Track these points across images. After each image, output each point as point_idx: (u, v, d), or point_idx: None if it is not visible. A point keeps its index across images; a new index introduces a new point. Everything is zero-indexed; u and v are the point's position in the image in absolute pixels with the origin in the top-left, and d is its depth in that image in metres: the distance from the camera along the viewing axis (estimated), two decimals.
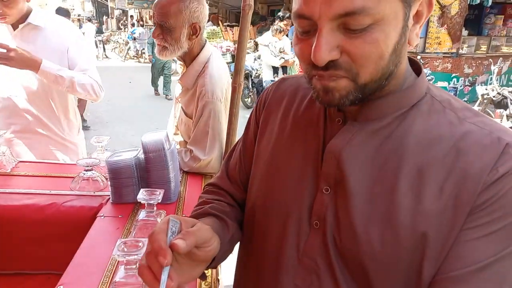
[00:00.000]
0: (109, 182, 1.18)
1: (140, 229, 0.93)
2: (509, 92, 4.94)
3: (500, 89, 5.09)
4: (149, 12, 16.71)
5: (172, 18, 1.37)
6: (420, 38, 6.61)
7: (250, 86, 6.56)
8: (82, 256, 0.91)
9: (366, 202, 0.55)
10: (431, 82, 0.63)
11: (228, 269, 1.02)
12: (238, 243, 0.76)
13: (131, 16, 17.69)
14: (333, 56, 0.50)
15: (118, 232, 1.02)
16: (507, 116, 4.74)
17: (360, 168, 0.56)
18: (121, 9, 21.40)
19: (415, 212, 0.52)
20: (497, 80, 5.56)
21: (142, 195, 0.94)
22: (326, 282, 0.58)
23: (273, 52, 5.46)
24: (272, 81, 5.61)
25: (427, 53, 6.88)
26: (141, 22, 14.78)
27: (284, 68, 5.72)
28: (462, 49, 7.15)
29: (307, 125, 0.65)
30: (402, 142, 0.55)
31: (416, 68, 0.61)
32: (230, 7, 14.31)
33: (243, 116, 1.34)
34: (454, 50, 6.89)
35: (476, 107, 4.69)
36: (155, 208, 0.96)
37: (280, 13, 5.63)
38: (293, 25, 0.60)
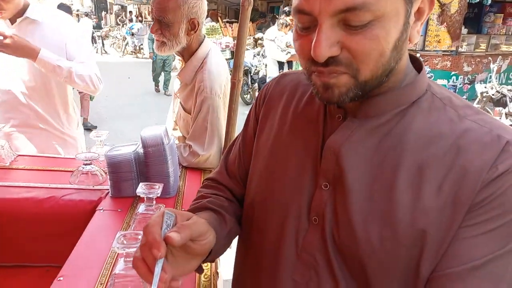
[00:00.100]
0: (108, 176, 1.19)
1: (140, 222, 0.94)
2: (508, 90, 4.96)
3: (499, 87, 5.10)
4: (148, 7, 16.64)
5: (170, 13, 1.37)
6: (420, 36, 6.62)
7: (250, 83, 6.55)
8: (82, 249, 0.92)
9: (365, 199, 0.55)
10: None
11: (227, 264, 1.03)
12: (237, 238, 0.76)
13: (130, 12, 17.63)
14: (333, 52, 0.50)
15: (117, 225, 1.03)
16: (506, 114, 4.76)
17: (359, 165, 0.57)
18: (120, 5, 21.31)
19: (414, 209, 0.52)
20: (496, 78, 5.57)
21: (141, 189, 0.95)
22: (325, 278, 0.59)
23: (280, 47, 5.39)
24: None
25: (427, 51, 6.88)
26: (139, 18, 14.72)
27: (289, 63, 5.66)
28: (461, 47, 7.16)
29: (307, 121, 0.65)
30: (402, 139, 0.55)
31: (417, 65, 0.61)
32: (230, 3, 14.27)
33: (242, 113, 1.33)
34: (453, 48, 6.89)
35: (475, 105, 4.70)
36: (154, 202, 0.97)
37: (286, 8, 5.59)
38: None
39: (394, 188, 0.54)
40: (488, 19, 8.24)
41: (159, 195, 0.95)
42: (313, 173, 0.61)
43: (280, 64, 5.69)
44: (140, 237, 0.72)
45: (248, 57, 6.61)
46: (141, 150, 1.19)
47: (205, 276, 0.84)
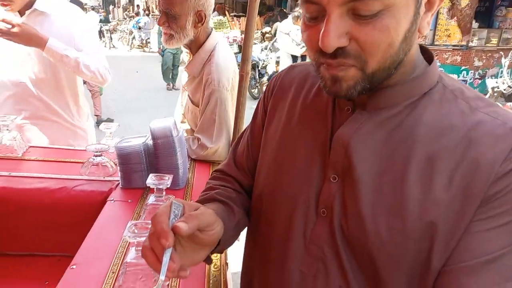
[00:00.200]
0: (118, 168, 1.20)
1: (150, 213, 0.95)
2: None
3: (510, 82, 5.03)
4: (155, 1, 16.62)
5: (177, 5, 1.37)
6: (429, 30, 6.52)
7: (257, 77, 6.54)
8: (93, 238, 0.93)
9: (374, 191, 0.55)
10: None
11: (235, 257, 1.04)
12: (245, 230, 0.77)
13: (137, 6, 17.63)
14: (341, 43, 0.49)
15: (127, 215, 1.04)
16: None
17: (368, 157, 0.56)
18: None
19: (424, 201, 0.52)
20: (507, 73, 5.49)
21: (151, 180, 0.96)
22: (333, 270, 0.59)
23: (295, 41, 5.30)
24: None
25: (436, 45, 6.78)
26: (146, 12, 14.72)
27: (304, 57, 5.59)
28: (472, 41, 7.04)
29: (316, 113, 0.65)
30: (412, 131, 0.55)
31: (428, 56, 0.60)
32: None
33: (250, 107, 1.33)
34: (464, 43, 6.78)
35: None
36: (164, 193, 0.98)
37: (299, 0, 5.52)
38: None
39: (404, 180, 0.53)
40: (500, 13, 8.08)
41: (168, 186, 0.96)
42: (322, 165, 0.61)
43: (294, 58, 5.59)
44: (150, 226, 0.73)
45: (256, 51, 6.59)
46: (150, 142, 1.20)
47: (215, 266, 0.85)
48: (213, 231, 0.59)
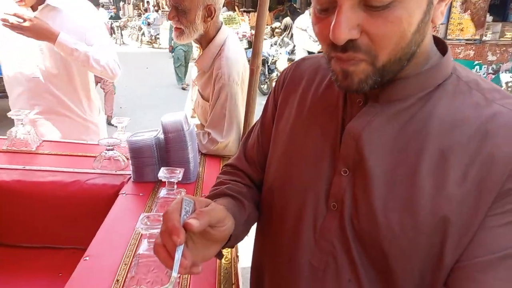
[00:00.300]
0: (130, 161, 1.21)
1: (161, 206, 0.96)
2: None
3: None
4: None
5: (186, 0, 1.37)
6: (442, 24, 6.41)
7: (267, 73, 6.52)
8: (106, 231, 0.94)
9: (386, 184, 0.54)
10: None
11: (245, 251, 1.04)
12: (256, 224, 0.77)
13: (147, 2, 17.69)
14: (352, 35, 0.48)
15: (139, 208, 1.05)
16: None
17: (380, 150, 0.56)
18: None
19: (437, 195, 0.51)
20: None
21: (163, 173, 0.96)
22: (343, 264, 0.59)
23: (312, 37, 5.23)
24: None
25: (449, 39, 6.66)
26: (156, 8, 14.76)
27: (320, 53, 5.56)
28: (485, 35, 6.90)
29: (326, 106, 0.64)
30: (425, 124, 0.54)
31: (442, 47, 0.59)
32: None
33: (259, 103, 1.33)
34: (477, 37, 6.65)
35: None
36: (175, 186, 0.98)
37: None
38: None
39: (417, 174, 0.52)
40: None
41: (180, 179, 0.97)
42: (332, 158, 0.60)
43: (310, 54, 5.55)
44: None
45: (265, 47, 6.57)
46: (161, 136, 1.20)
47: (226, 259, 0.86)
48: (224, 227, 0.59)
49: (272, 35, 7.69)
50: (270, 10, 9.84)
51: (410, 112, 0.55)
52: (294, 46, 7.22)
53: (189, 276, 0.80)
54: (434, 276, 0.53)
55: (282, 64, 6.42)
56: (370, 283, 0.58)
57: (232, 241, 0.65)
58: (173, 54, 7.44)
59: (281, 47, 6.73)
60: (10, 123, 1.42)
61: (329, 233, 0.59)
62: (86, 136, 1.76)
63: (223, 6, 1.90)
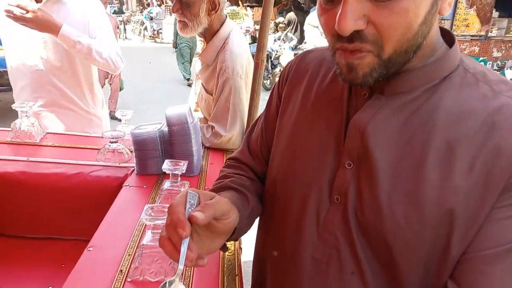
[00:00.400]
0: (133, 154, 1.21)
1: (165, 198, 0.96)
2: None
3: None
4: None
5: None
6: (447, 20, 6.36)
7: (270, 68, 6.50)
8: (110, 222, 0.95)
9: (392, 177, 0.54)
10: None
11: (247, 245, 1.04)
12: (258, 218, 0.76)
13: None
14: (358, 26, 0.47)
15: (143, 200, 1.05)
16: None
17: (385, 143, 0.55)
18: None
19: (443, 188, 0.51)
20: None
21: (166, 165, 0.96)
22: (346, 257, 0.58)
23: (324, 34, 5.25)
24: None
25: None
26: (158, 2, 14.71)
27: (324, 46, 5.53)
28: (491, 31, 6.85)
29: (331, 99, 0.64)
30: (431, 116, 0.53)
31: (448, 39, 0.58)
32: None
33: (262, 99, 1.32)
34: (483, 33, 6.60)
35: None
36: (179, 178, 0.98)
37: None
38: None
39: (423, 167, 0.52)
40: None
41: (184, 171, 0.97)
42: (336, 151, 0.60)
43: None
44: (167, 210, 0.73)
45: (269, 42, 6.50)
46: (165, 129, 1.20)
47: (229, 252, 0.86)
48: (229, 220, 0.59)
49: (276, 30, 7.65)
50: (274, 4, 9.80)
51: (416, 104, 0.55)
52: (298, 41, 7.19)
53: (192, 268, 0.80)
54: (440, 268, 0.53)
55: (286, 59, 6.40)
56: (373, 276, 0.57)
57: (236, 234, 0.65)
58: (176, 50, 7.34)
59: (284, 42, 6.71)
60: (14, 116, 1.43)
61: (332, 226, 0.59)
62: (89, 129, 1.77)
63: (227, 0, 1.89)
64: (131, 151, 1.28)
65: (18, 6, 1.44)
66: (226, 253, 0.85)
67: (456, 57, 0.56)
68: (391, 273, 0.56)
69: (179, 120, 1.17)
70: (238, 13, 8.88)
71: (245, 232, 0.71)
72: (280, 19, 8.03)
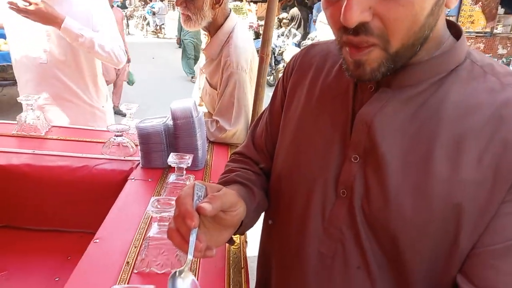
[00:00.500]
0: (139, 147, 1.21)
1: (170, 191, 0.96)
2: None
3: None
4: None
5: None
6: (452, 16, 6.31)
7: (273, 64, 6.48)
8: (116, 214, 0.95)
9: (399, 171, 0.54)
10: None
11: (251, 240, 1.04)
12: (263, 213, 0.76)
13: None
14: (364, 17, 0.47)
15: (148, 194, 1.06)
16: None
17: (392, 136, 0.55)
18: None
19: (451, 182, 0.50)
20: None
21: (172, 159, 0.96)
22: (352, 251, 0.58)
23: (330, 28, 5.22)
24: None
25: None
26: None
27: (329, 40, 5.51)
28: (496, 28, 6.80)
29: (336, 93, 0.63)
30: (438, 109, 0.53)
31: (455, 31, 0.57)
32: None
33: (266, 94, 1.32)
34: (488, 30, 6.55)
35: None
36: (184, 172, 0.98)
37: None
38: None
39: (430, 160, 0.52)
40: None
41: (189, 165, 0.97)
42: (342, 146, 0.60)
43: None
44: (173, 202, 0.74)
45: (272, 38, 6.52)
46: (170, 122, 1.20)
47: (235, 245, 0.86)
48: (236, 212, 0.59)
49: (279, 26, 7.62)
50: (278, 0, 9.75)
51: (423, 98, 0.54)
52: (302, 37, 7.16)
53: (198, 261, 0.80)
54: (447, 264, 0.53)
55: (289, 55, 6.38)
56: (379, 271, 0.57)
57: (243, 227, 0.65)
58: (180, 46, 7.25)
59: (288, 38, 6.69)
60: (19, 110, 1.44)
61: (338, 220, 0.59)
62: (93, 123, 1.77)
63: None
64: (136, 145, 1.29)
65: None
66: (232, 246, 0.85)
67: (463, 50, 0.56)
68: (397, 268, 0.56)
69: (184, 114, 1.17)
70: (242, 8, 8.84)
71: (252, 226, 0.71)
72: (284, 14, 8.00)
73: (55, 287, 0.99)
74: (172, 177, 0.98)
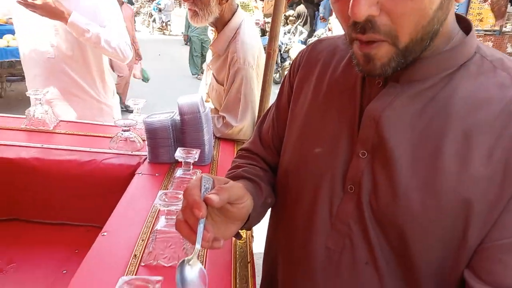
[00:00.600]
0: (146, 142, 1.22)
1: (177, 186, 0.96)
2: None
3: None
4: None
5: None
6: (460, 14, 6.25)
7: (279, 61, 6.46)
8: (123, 208, 0.96)
9: (408, 166, 0.53)
10: None
11: (259, 237, 1.04)
12: (269, 209, 0.76)
13: None
14: (372, 11, 0.47)
15: (155, 188, 1.06)
16: None
17: (401, 132, 0.55)
18: None
19: (461, 177, 0.50)
20: None
21: (179, 153, 0.97)
22: (360, 246, 0.58)
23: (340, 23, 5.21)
24: None
25: None
26: None
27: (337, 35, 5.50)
28: (505, 26, 6.72)
29: (344, 88, 0.63)
30: (447, 104, 0.53)
31: (465, 26, 0.57)
32: None
33: (272, 92, 1.32)
34: (497, 28, 6.49)
35: None
36: (191, 167, 0.99)
37: None
38: None
39: (439, 156, 0.51)
40: None
41: (196, 159, 0.97)
42: (350, 141, 0.60)
43: None
44: (180, 196, 0.74)
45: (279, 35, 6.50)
46: (177, 118, 1.21)
47: (242, 239, 0.86)
48: (243, 204, 0.59)
49: (286, 23, 7.60)
50: None
51: (431, 93, 0.54)
52: (308, 34, 7.13)
53: (205, 255, 0.81)
54: (456, 258, 0.53)
55: (295, 53, 6.36)
56: (387, 266, 0.57)
57: (250, 221, 0.65)
58: (187, 43, 7.25)
59: (294, 35, 6.66)
60: (27, 105, 1.45)
61: (346, 216, 0.59)
62: (100, 118, 1.78)
63: None
64: (143, 140, 1.29)
65: None
66: (239, 241, 0.85)
67: (473, 45, 0.55)
68: (405, 264, 0.56)
69: (191, 109, 1.17)
70: (248, 5, 8.82)
71: (259, 221, 0.71)
72: (290, 12, 7.97)
73: (62, 280, 1.00)
74: (179, 172, 0.98)
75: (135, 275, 0.73)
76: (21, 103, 4.30)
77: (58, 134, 1.38)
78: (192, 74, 7.24)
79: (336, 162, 0.60)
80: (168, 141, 1.19)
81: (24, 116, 1.41)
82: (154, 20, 14.02)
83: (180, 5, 14.50)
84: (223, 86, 1.51)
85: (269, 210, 0.78)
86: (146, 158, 1.23)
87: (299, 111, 0.69)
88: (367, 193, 0.57)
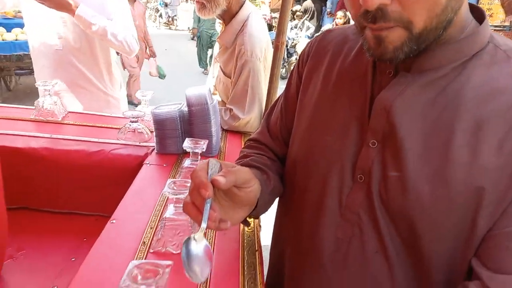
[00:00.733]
0: (154, 133, 1.23)
1: (185, 175, 0.97)
2: None
3: None
4: None
5: None
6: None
7: (285, 56, 6.44)
8: (132, 196, 0.96)
9: (418, 156, 0.53)
10: None
11: (265, 230, 1.05)
12: (276, 200, 0.76)
13: None
14: (384, 0, 0.47)
15: (163, 178, 1.07)
16: None
17: (412, 121, 0.54)
18: None
19: (472, 167, 0.50)
20: None
21: (187, 144, 0.97)
22: (369, 236, 0.58)
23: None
24: None
25: None
26: None
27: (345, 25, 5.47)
28: None
29: (354, 78, 0.63)
30: (459, 94, 0.52)
31: (478, 15, 0.56)
32: None
33: (279, 87, 1.31)
34: (507, 23, 6.39)
35: None
36: (199, 157, 0.99)
37: None
38: None
39: (451, 145, 0.51)
40: None
41: (204, 150, 0.98)
42: (360, 131, 0.59)
43: None
44: (188, 185, 0.74)
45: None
46: (185, 109, 1.21)
47: (249, 228, 0.86)
48: (250, 188, 0.59)
49: (293, 18, 7.56)
50: None
51: (443, 82, 0.54)
52: (315, 29, 7.09)
53: (212, 243, 0.81)
54: (466, 249, 0.53)
55: (302, 48, 6.34)
56: (397, 255, 0.57)
57: (257, 209, 0.65)
58: (194, 38, 7.25)
59: (301, 31, 6.63)
60: (34, 98, 1.46)
61: (355, 205, 0.59)
62: (106, 110, 1.78)
63: None
64: (151, 131, 1.30)
65: None
66: (246, 229, 0.86)
67: (486, 34, 0.55)
68: (415, 254, 0.56)
69: (199, 100, 1.17)
70: (255, 0, 8.78)
71: (266, 209, 0.71)
72: (297, 7, 7.92)
73: (71, 267, 1.01)
74: (187, 162, 0.99)
75: None
76: (29, 96, 4.34)
77: (67, 125, 1.39)
78: (201, 68, 7.22)
79: (346, 151, 0.60)
80: (176, 132, 1.20)
81: (33, 107, 1.43)
82: (160, 15, 14.01)
83: (186, 0, 14.48)
84: (230, 78, 1.51)
85: (275, 206, 0.78)
86: (154, 149, 1.23)
87: (308, 102, 0.69)
88: (377, 183, 0.57)
